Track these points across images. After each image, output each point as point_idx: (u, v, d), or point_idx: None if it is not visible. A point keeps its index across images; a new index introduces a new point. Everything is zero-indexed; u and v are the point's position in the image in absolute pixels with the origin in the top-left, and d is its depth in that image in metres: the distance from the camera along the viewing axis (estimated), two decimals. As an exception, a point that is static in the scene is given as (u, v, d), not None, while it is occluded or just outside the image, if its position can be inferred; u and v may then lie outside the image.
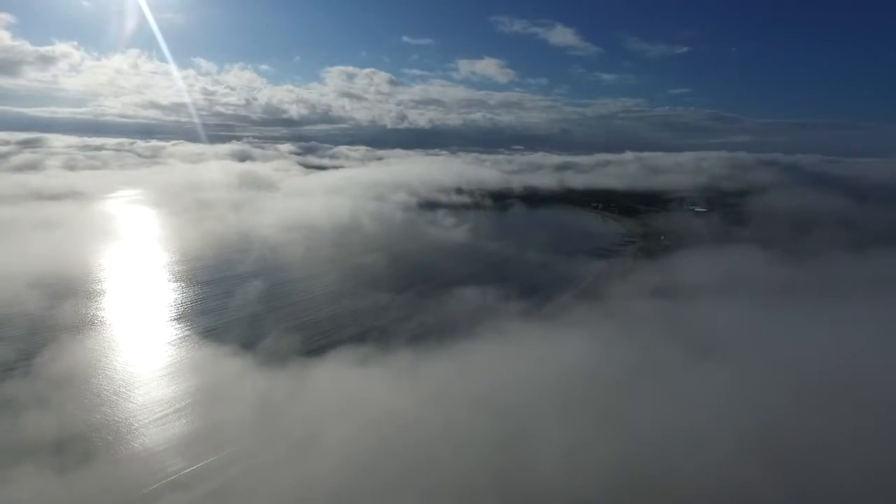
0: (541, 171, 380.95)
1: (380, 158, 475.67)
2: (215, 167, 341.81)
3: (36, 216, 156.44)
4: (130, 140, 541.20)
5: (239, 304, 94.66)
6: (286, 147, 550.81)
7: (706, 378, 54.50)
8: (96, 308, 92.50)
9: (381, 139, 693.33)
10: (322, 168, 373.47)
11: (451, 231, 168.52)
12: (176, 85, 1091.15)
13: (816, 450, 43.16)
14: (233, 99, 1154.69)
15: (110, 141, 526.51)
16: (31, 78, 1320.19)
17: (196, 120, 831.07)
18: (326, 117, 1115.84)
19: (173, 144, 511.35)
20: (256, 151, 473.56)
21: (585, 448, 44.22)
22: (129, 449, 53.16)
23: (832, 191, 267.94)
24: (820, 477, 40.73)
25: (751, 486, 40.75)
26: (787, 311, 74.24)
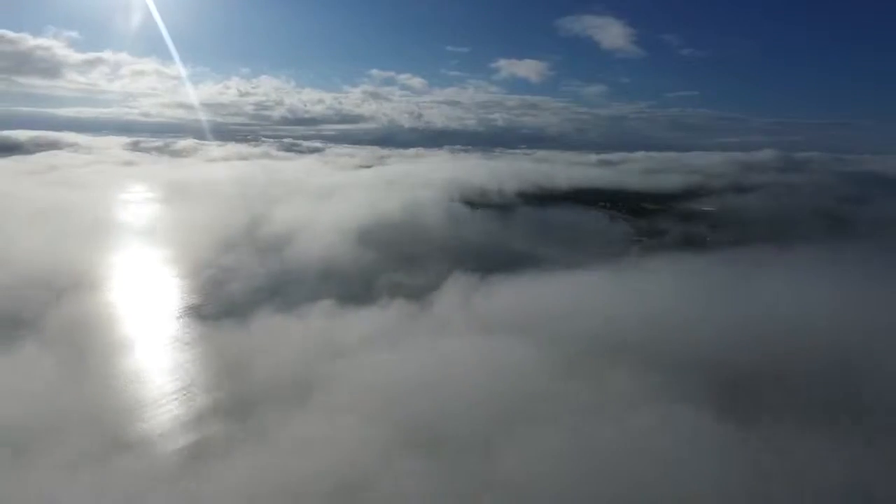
0: (552, 169, 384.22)
1: (399, 157, 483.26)
2: (242, 167, 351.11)
3: (65, 214, 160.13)
4: (161, 139, 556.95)
5: (255, 297, 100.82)
6: (310, 145, 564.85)
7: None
8: (123, 301, 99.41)
9: (400, 138, 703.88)
10: (344, 168, 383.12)
11: (454, 228, 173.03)
12: (208, 88, 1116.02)
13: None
14: (263, 100, 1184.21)
15: (141, 140, 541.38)
16: (71, 80, 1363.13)
17: (224, 120, 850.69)
18: (350, 118, 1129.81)
19: (201, 144, 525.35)
20: (281, 153, 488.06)
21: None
22: (133, 441, 56.17)
23: (841, 188, 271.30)
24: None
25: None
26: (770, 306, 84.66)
